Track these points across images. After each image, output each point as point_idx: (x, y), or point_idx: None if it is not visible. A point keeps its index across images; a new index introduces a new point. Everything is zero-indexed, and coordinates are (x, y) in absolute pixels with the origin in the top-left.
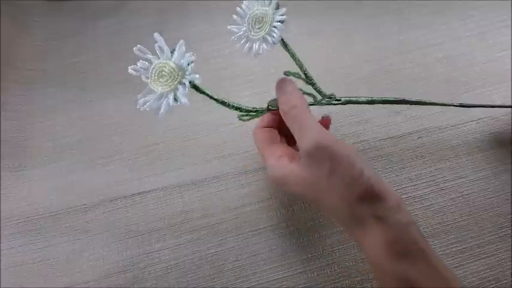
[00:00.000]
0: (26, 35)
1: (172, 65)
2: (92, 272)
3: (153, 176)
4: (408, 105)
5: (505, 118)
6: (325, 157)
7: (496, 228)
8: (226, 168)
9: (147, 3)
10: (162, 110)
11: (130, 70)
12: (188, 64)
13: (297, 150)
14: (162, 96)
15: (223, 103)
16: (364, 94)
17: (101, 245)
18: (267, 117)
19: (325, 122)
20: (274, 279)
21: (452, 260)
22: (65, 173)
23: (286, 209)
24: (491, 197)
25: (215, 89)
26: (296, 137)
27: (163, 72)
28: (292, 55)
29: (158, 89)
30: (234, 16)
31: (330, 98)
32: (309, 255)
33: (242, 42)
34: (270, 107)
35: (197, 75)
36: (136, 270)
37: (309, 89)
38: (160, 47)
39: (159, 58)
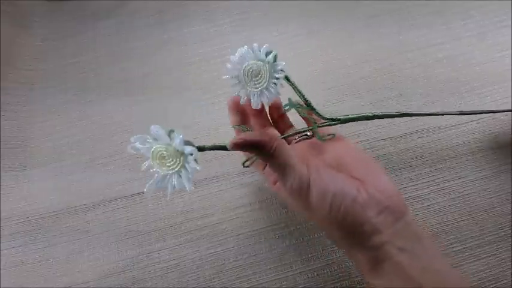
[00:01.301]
0: (26, 35)
1: (173, 150)
2: (92, 272)
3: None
4: (408, 106)
5: (505, 118)
6: (305, 190)
7: (496, 228)
8: (226, 168)
9: (147, 3)
10: (168, 195)
11: (129, 149)
12: (191, 154)
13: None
14: (165, 177)
15: (220, 148)
16: (364, 94)
17: (101, 245)
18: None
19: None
20: (274, 279)
21: (452, 260)
22: (65, 173)
23: (286, 209)
24: (491, 197)
25: (215, 89)
26: (282, 175)
27: (164, 154)
28: (294, 86)
29: (162, 170)
30: (228, 65)
31: (332, 120)
32: (309, 255)
33: (240, 91)
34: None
35: (198, 167)
36: (136, 270)
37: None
38: (157, 137)
39: (158, 142)
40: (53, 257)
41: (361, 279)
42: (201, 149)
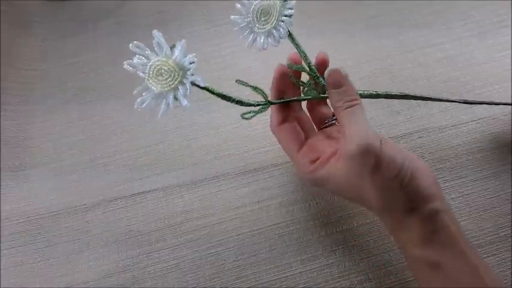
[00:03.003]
0: (26, 35)
1: (172, 63)
2: (92, 272)
3: (153, 176)
4: (408, 106)
5: (505, 118)
6: (369, 156)
7: (496, 228)
8: (226, 168)
9: (147, 3)
10: (161, 112)
11: (126, 66)
12: (190, 63)
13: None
14: (160, 95)
15: (223, 97)
16: None
17: (101, 245)
18: (280, 112)
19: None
20: (274, 279)
21: None
22: (65, 173)
23: (286, 209)
24: (491, 197)
25: (215, 90)
26: (344, 132)
27: (162, 71)
28: (297, 46)
29: (157, 87)
30: (238, 5)
31: None
32: (309, 255)
33: (245, 33)
34: (270, 101)
35: (200, 78)
36: (136, 270)
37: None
38: (159, 44)
39: (157, 55)
40: (53, 257)
41: (361, 279)
42: (208, 89)
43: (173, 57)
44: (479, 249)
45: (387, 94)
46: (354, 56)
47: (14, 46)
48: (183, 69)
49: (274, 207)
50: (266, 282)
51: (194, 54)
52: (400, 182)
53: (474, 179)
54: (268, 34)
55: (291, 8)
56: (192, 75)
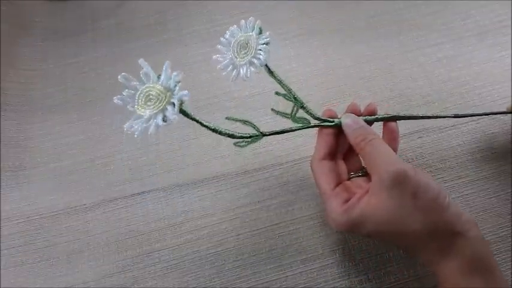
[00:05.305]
0: (26, 35)
1: (159, 87)
2: (92, 272)
3: (153, 176)
4: (408, 105)
5: (504, 118)
6: (407, 183)
7: (496, 228)
8: (226, 168)
9: (147, 3)
10: (150, 131)
11: (116, 100)
12: (175, 85)
13: (353, 162)
14: (150, 118)
15: (215, 130)
16: (364, 94)
17: (101, 245)
18: (323, 148)
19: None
20: (274, 279)
21: None
22: (65, 173)
23: (286, 209)
24: (491, 197)
25: (215, 89)
26: (373, 166)
27: (151, 96)
28: (280, 81)
29: (146, 112)
30: (219, 46)
31: (323, 120)
32: (309, 255)
33: (229, 69)
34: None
35: (185, 92)
36: (136, 270)
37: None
38: (146, 73)
39: (144, 84)
40: (53, 257)
41: (361, 279)
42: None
43: (160, 82)
44: None
45: (376, 118)
46: (353, 55)
47: (14, 46)
48: (169, 91)
49: (274, 207)
50: (266, 282)
51: (177, 72)
52: (441, 204)
53: (474, 179)
54: (250, 63)
55: (266, 37)
56: (178, 93)
